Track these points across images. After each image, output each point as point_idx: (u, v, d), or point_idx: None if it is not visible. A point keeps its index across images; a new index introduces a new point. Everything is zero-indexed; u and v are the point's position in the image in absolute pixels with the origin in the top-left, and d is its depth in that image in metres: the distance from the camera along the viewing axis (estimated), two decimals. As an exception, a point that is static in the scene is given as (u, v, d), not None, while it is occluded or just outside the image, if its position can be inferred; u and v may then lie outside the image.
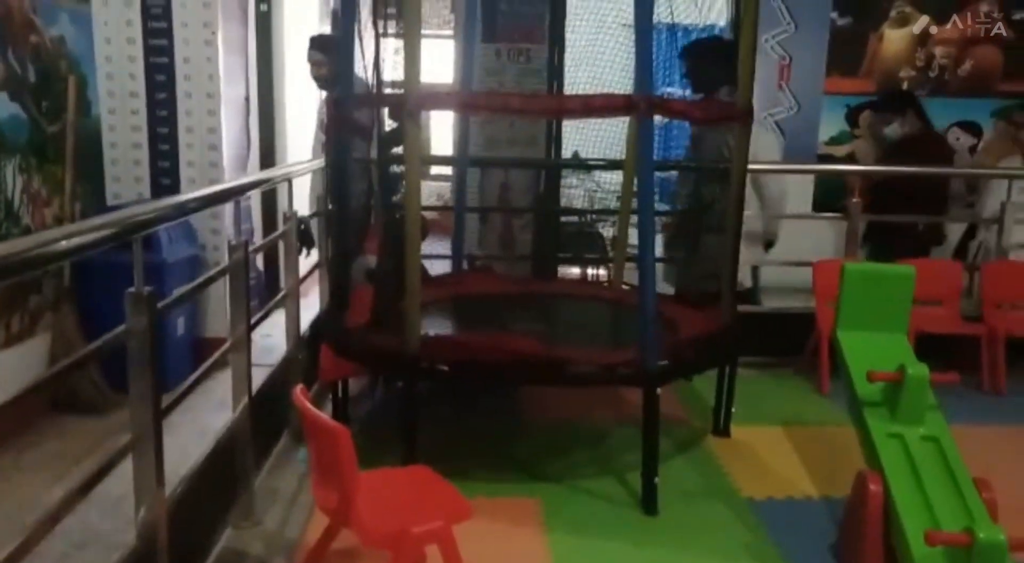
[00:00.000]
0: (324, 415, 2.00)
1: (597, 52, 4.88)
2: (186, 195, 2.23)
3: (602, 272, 4.60)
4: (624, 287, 3.79)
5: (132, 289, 1.79)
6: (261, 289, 4.91)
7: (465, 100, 2.64)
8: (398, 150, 2.78)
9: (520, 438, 3.31)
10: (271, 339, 4.37)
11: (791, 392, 3.95)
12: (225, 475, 2.49)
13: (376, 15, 2.78)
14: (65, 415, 3.68)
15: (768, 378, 4.03)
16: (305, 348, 3.32)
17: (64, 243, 1.61)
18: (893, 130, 4.80)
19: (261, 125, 5.39)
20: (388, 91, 2.77)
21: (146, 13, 4.47)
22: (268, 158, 5.51)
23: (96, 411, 3.76)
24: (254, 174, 2.77)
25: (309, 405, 2.01)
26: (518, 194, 4.39)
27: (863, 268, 2.77)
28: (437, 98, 2.68)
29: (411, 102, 2.51)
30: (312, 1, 6.67)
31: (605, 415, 3.52)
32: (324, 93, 4.26)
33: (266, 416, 2.84)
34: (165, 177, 4.63)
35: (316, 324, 3.54)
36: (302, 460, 2.98)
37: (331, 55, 3.54)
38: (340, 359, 2.99)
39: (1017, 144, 5.14)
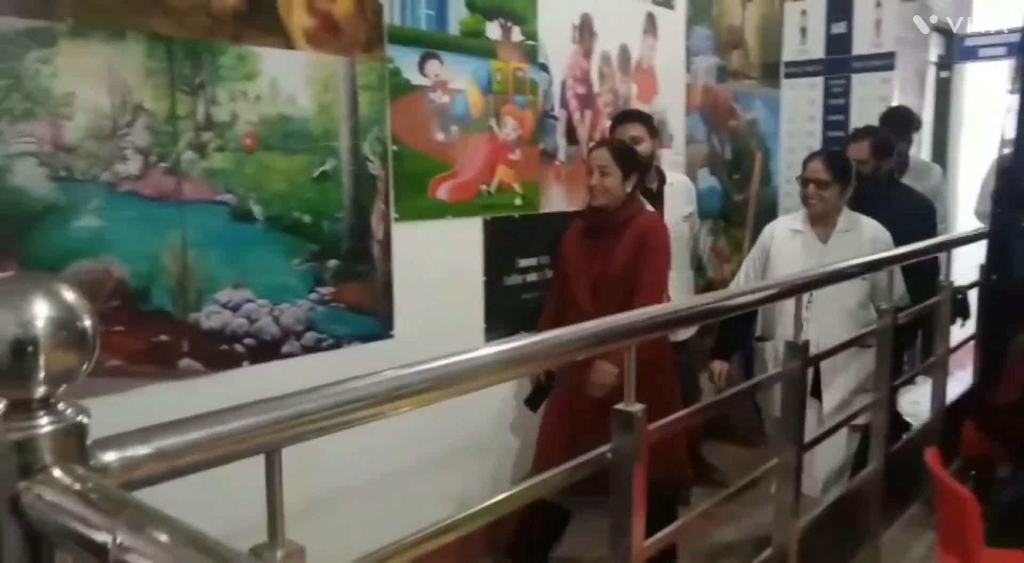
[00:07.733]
0: (954, 481, 2.06)
1: None
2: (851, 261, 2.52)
3: None
4: None
5: (789, 339, 2.16)
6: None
7: None
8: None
9: None
10: (919, 405, 4.34)
11: None
12: (852, 522, 2.68)
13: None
14: (716, 442, 4.25)
15: None
16: (948, 420, 3.29)
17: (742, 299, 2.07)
18: None
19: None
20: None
21: (827, 92, 4.94)
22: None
23: (747, 443, 4.27)
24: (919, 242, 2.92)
25: (941, 469, 2.09)
26: None
27: None
28: None
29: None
30: (1001, 64, 6.33)
31: None
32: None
33: (901, 477, 2.93)
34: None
35: (964, 397, 3.45)
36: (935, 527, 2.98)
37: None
38: (984, 437, 2.90)
39: None
